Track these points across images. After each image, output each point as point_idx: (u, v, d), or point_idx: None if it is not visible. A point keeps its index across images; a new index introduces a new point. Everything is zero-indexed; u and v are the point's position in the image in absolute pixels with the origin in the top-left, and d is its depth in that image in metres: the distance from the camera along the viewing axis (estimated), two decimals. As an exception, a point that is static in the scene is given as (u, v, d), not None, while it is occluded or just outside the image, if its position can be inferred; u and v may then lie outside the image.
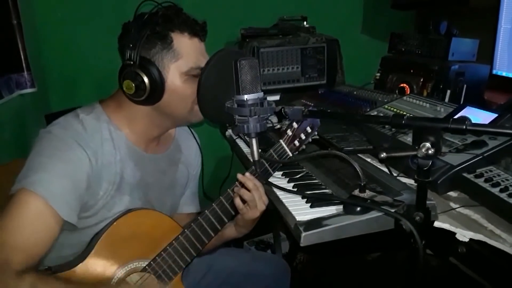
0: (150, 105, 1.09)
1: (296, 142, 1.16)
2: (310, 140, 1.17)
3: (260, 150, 1.03)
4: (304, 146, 1.18)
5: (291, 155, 1.17)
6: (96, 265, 1.06)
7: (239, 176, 1.11)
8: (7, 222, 0.95)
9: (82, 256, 1.07)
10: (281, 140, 1.16)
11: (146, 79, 1.04)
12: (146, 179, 1.18)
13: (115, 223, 1.08)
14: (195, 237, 1.14)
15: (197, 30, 1.10)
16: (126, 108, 1.12)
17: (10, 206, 0.96)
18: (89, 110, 1.11)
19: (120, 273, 1.09)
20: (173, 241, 1.13)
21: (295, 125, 1.16)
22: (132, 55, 1.03)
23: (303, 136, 1.15)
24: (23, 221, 0.96)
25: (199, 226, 1.14)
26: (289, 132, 1.16)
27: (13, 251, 0.94)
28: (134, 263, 1.12)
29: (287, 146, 1.16)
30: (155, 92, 1.06)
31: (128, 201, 1.13)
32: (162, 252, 1.12)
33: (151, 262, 1.12)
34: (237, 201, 1.13)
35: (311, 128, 1.16)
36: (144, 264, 1.12)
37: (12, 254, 0.93)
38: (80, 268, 1.04)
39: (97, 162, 1.05)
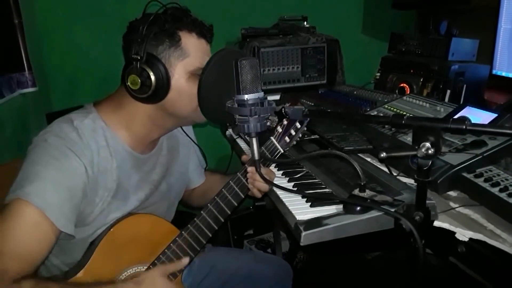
0: (153, 103, 1.07)
1: (287, 138, 1.16)
2: (300, 135, 1.18)
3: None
4: (294, 142, 1.18)
5: (282, 151, 1.18)
6: (96, 272, 1.05)
7: (250, 169, 1.14)
8: (3, 232, 0.94)
9: (81, 264, 1.07)
10: (272, 138, 1.17)
11: (152, 75, 1.03)
12: (143, 180, 1.18)
13: (112, 229, 1.08)
14: (193, 238, 1.14)
15: (205, 31, 1.10)
16: (127, 108, 1.10)
17: (6, 217, 0.95)
18: (83, 115, 1.08)
19: (121, 278, 1.09)
20: (171, 244, 1.13)
21: (285, 121, 1.16)
22: (139, 50, 1.02)
23: (293, 132, 1.16)
24: (20, 232, 0.95)
25: (197, 227, 1.14)
26: (279, 129, 1.17)
27: (10, 260, 0.94)
28: (134, 268, 1.12)
29: (278, 143, 1.17)
30: (160, 89, 1.05)
31: (125, 206, 1.12)
32: (161, 256, 1.12)
33: (151, 266, 1.12)
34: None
35: (300, 123, 1.16)
36: (144, 268, 1.12)
37: (9, 263, 0.93)
38: (80, 276, 1.04)
39: (93, 170, 1.04)
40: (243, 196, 1.17)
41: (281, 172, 1.33)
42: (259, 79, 0.90)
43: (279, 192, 1.16)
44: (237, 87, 0.89)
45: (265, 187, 1.16)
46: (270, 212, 1.95)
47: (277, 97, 1.87)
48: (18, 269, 0.94)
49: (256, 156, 0.94)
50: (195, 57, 1.08)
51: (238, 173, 1.16)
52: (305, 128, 1.18)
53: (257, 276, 1.41)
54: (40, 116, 1.78)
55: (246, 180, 1.16)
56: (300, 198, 1.12)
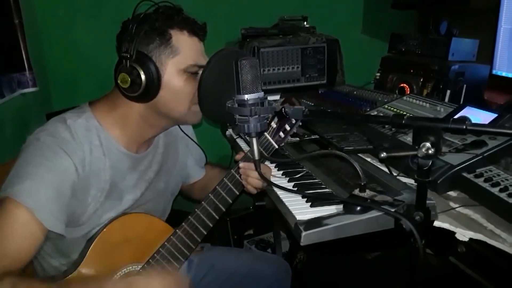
0: (145, 101, 1.07)
1: (281, 134, 1.16)
2: (295, 130, 1.17)
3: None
4: (289, 137, 1.18)
5: (276, 147, 1.17)
6: (90, 272, 1.06)
7: (242, 165, 1.13)
8: None
9: (75, 265, 1.06)
10: (265, 133, 1.16)
11: (142, 73, 1.03)
12: (140, 179, 1.18)
13: (105, 229, 1.08)
14: (187, 236, 1.14)
15: (197, 29, 1.10)
16: (121, 108, 1.10)
17: None
18: (77, 115, 1.08)
19: (115, 278, 1.09)
20: (166, 242, 1.13)
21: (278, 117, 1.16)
22: (129, 49, 1.02)
23: (287, 127, 1.15)
24: (7, 231, 0.95)
25: (191, 224, 1.14)
26: (273, 125, 1.16)
27: None
28: (128, 267, 1.12)
29: (272, 138, 1.16)
30: (150, 87, 1.04)
31: (119, 205, 1.12)
32: (155, 254, 1.12)
33: (145, 265, 1.12)
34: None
35: (295, 119, 1.16)
36: (138, 267, 1.12)
37: None
38: (73, 278, 1.04)
39: (84, 170, 1.03)
40: (237, 193, 1.17)
41: (281, 172, 1.33)
42: (259, 79, 0.90)
43: (279, 192, 1.16)
44: (237, 87, 0.89)
45: (259, 183, 1.15)
46: (270, 212, 1.95)
47: (277, 97, 1.87)
48: (2, 267, 0.93)
49: (256, 156, 0.94)
50: (186, 54, 1.07)
51: (232, 170, 1.16)
52: (300, 123, 1.18)
53: (256, 275, 1.41)
54: (41, 116, 1.78)
55: (240, 177, 1.16)
56: (300, 198, 1.12)
